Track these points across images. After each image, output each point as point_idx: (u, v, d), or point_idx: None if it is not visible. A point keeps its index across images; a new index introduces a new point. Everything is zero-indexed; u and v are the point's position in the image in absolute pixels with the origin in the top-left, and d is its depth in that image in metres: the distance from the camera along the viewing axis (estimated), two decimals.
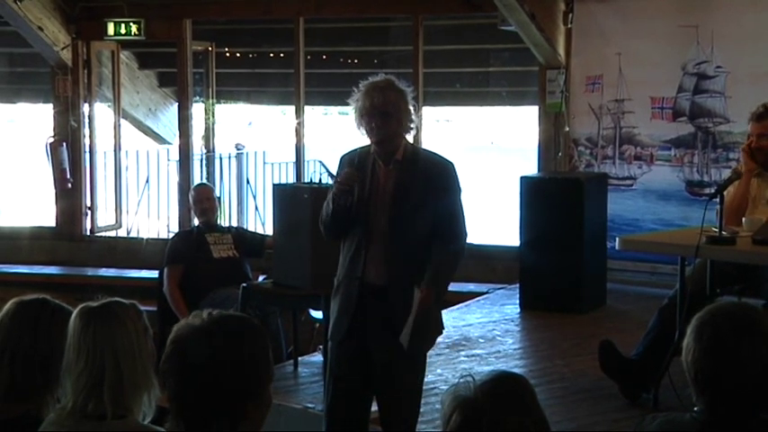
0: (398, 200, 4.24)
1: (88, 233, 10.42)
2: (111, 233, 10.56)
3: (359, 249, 4.27)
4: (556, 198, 7.59)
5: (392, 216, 4.24)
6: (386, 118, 4.21)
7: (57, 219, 10.48)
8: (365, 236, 4.26)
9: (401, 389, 4.31)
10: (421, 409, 4.54)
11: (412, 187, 4.24)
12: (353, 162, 4.30)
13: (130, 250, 10.23)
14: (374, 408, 4.85)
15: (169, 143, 12.24)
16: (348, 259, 4.32)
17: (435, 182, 4.26)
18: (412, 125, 4.31)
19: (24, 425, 2.90)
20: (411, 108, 4.29)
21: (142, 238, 10.52)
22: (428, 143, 9.22)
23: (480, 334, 6.96)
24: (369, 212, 4.27)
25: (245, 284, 6.33)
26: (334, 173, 4.42)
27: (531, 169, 8.82)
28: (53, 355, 2.94)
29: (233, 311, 2.53)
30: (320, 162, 5.99)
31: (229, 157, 11.74)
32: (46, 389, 2.98)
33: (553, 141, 8.80)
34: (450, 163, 4.35)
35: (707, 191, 7.68)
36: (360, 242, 4.27)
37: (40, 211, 11.76)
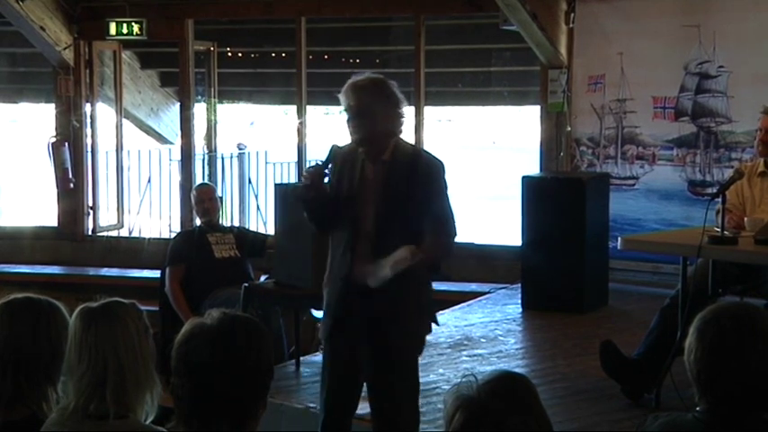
0: (386, 199, 4.23)
1: (90, 233, 10.42)
2: (113, 233, 10.56)
3: (346, 248, 4.27)
4: (558, 198, 7.58)
5: (379, 215, 4.23)
6: (360, 119, 4.19)
7: (58, 218, 10.48)
8: (352, 234, 4.27)
9: (392, 390, 4.28)
10: (422, 409, 4.53)
11: (399, 187, 4.23)
12: (339, 155, 4.30)
13: (132, 250, 10.23)
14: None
15: (171, 143, 12.24)
16: (335, 258, 4.35)
17: (423, 182, 4.24)
18: (396, 125, 4.26)
19: (30, 426, 2.90)
20: (394, 108, 4.24)
21: (144, 238, 10.52)
22: (430, 143, 9.23)
23: (482, 334, 6.96)
24: (356, 211, 4.27)
25: (246, 284, 6.33)
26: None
27: (533, 169, 8.81)
28: (53, 353, 2.95)
29: (239, 312, 2.54)
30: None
31: (231, 157, 11.74)
32: (48, 387, 2.99)
33: (555, 141, 8.79)
34: (440, 162, 4.32)
35: (709, 191, 7.68)
36: (347, 241, 4.28)
37: (41, 210, 11.75)
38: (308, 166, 4.48)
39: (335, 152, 4.33)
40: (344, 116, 4.25)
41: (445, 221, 4.28)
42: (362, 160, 4.28)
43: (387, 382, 4.28)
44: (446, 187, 4.31)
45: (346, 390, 4.37)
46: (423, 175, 4.24)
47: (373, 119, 4.18)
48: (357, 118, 4.20)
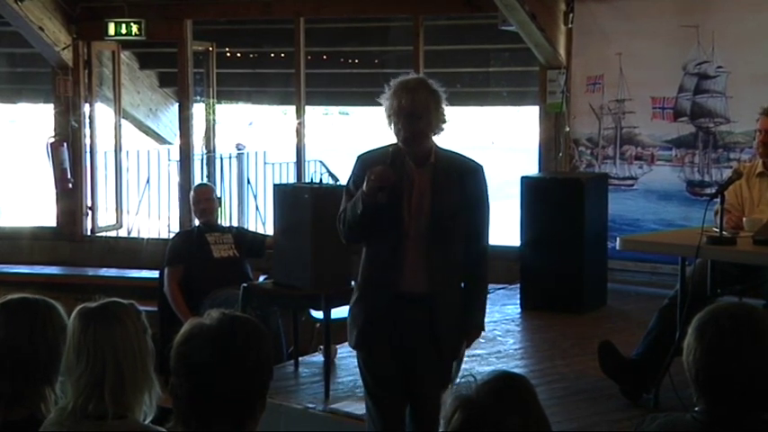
0: (438, 203, 4.14)
1: (89, 233, 10.42)
2: (112, 233, 10.55)
3: (394, 253, 4.13)
4: (556, 198, 7.58)
5: (433, 220, 4.13)
6: (413, 119, 4.09)
7: (57, 219, 10.48)
8: (401, 240, 4.14)
9: (431, 393, 4.22)
10: None
11: (450, 190, 4.16)
12: (384, 161, 4.11)
13: (131, 250, 10.23)
14: None
15: (170, 143, 12.24)
16: (378, 264, 4.19)
17: (469, 186, 4.20)
18: (443, 126, 4.20)
19: (29, 426, 2.90)
20: (442, 109, 4.18)
21: (143, 239, 10.52)
22: None
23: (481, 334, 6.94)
24: (402, 216, 4.14)
25: (245, 284, 6.33)
26: (351, 172, 4.26)
27: (532, 169, 8.82)
28: (51, 353, 2.95)
29: (238, 312, 2.54)
30: (321, 162, 6.00)
31: (230, 158, 11.75)
32: (46, 388, 2.99)
33: (554, 141, 8.79)
34: (481, 167, 4.28)
35: (708, 191, 7.68)
36: (394, 247, 4.14)
37: (40, 211, 11.76)
38: (361, 168, 4.28)
39: (365, 159, 4.22)
40: (393, 117, 4.12)
41: (484, 229, 4.26)
42: (403, 163, 4.16)
43: (434, 380, 4.21)
44: (488, 195, 4.27)
45: (396, 400, 4.27)
46: (471, 181, 4.21)
47: (427, 118, 4.12)
48: (410, 117, 4.09)
